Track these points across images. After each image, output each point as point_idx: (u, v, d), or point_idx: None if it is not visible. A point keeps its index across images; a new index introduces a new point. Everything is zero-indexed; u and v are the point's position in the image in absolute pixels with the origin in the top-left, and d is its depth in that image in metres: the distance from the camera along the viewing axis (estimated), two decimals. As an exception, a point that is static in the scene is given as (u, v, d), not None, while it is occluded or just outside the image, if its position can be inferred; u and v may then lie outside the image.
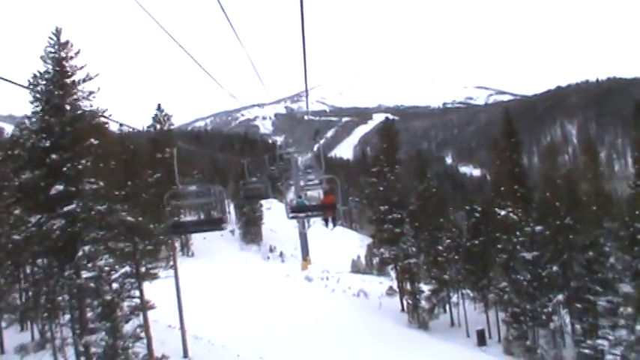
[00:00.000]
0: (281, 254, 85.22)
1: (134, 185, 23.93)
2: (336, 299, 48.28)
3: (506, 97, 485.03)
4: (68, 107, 19.20)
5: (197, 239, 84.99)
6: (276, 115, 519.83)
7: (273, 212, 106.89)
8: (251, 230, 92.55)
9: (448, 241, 42.01)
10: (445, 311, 43.54)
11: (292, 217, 16.53)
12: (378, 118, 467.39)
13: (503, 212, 37.20)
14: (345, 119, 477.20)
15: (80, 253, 17.71)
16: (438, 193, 45.39)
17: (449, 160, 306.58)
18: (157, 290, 28.64)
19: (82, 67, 20.14)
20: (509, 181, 38.76)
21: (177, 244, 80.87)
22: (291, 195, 25.79)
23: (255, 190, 22.43)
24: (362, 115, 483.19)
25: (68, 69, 19.89)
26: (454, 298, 43.25)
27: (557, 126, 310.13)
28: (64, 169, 18.32)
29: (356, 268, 74.70)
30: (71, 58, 20.02)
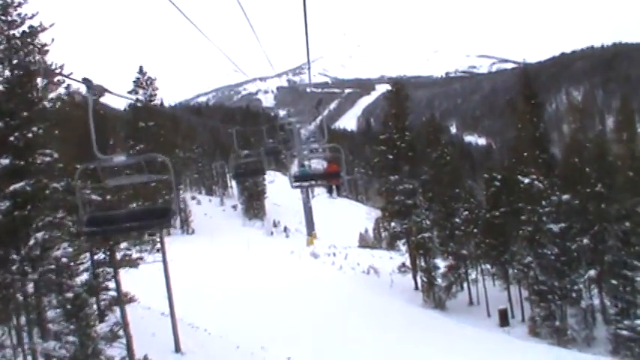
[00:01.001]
0: (285, 229, 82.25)
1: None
2: (344, 277, 45.14)
3: (509, 66, 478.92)
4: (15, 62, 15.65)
5: (197, 215, 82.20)
6: (278, 88, 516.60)
7: (277, 185, 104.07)
8: (254, 205, 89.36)
9: (466, 212, 38.56)
10: (463, 289, 40.28)
11: (296, 187, 16.16)
12: (380, 89, 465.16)
13: (526, 180, 33.69)
14: (347, 91, 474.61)
15: (32, 242, 14.34)
16: (452, 161, 41.74)
17: (453, 130, 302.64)
18: (152, 274, 25.55)
19: (33, 16, 16.59)
20: (531, 147, 35.25)
21: (177, 222, 78.38)
22: (294, 168, 23.32)
23: (247, 166, 21.52)
24: (365, 86, 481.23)
25: (16, 18, 16.33)
26: (473, 275, 40.01)
27: (563, 93, 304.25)
28: (11, 138, 14.87)
29: (364, 242, 71.64)
30: (19, 4, 16.45)
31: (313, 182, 17.11)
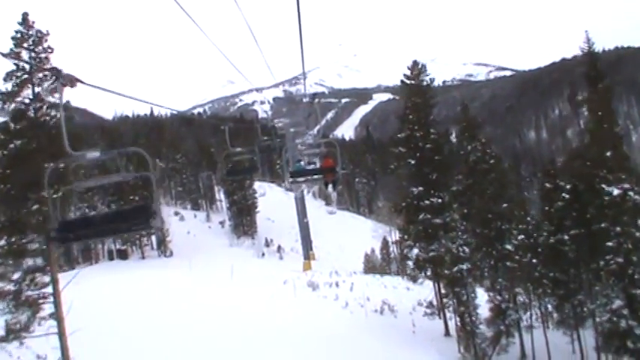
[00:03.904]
0: (279, 249, 71.79)
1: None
2: (350, 319, 34.64)
3: (506, 73, 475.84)
4: None
5: (179, 234, 71.76)
6: (274, 99, 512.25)
7: (270, 198, 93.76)
8: (243, 221, 78.81)
9: (521, 236, 28.13)
10: (512, 336, 29.79)
11: (291, 182, 16.71)
12: (378, 98, 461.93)
13: (615, 191, 23.43)
14: (344, 100, 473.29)
15: None
16: (498, 165, 31.24)
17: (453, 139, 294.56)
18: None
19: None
20: (616, 145, 25.15)
21: (152, 239, 68.11)
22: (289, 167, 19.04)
23: (242, 164, 21.24)
24: (362, 95, 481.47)
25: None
26: (528, 319, 29.58)
27: (565, 99, 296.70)
28: None
29: (370, 265, 61.20)
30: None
31: (309, 178, 16.62)
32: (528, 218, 29.20)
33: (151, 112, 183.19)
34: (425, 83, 31.65)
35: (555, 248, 27.01)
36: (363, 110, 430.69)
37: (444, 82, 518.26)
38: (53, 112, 16.60)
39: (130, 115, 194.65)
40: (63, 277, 21.79)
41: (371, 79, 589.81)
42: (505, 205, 28.81)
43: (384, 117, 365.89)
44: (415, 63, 31.70)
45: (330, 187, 19.84)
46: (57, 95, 14.88)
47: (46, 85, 16.63)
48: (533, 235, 28.36)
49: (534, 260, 28.03)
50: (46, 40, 17.71)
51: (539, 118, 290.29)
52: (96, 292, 36.97)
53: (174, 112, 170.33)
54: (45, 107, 16.75)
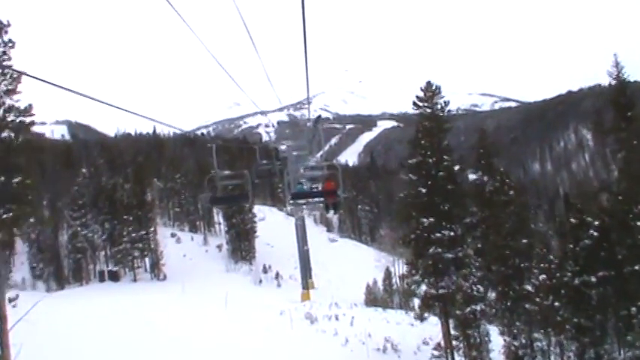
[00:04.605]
0: (277, 276, 69.04)
1: None
2: (350, 357, 31.99)
3: (511, 104, 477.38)
4: None
5: (174, 256, 69.12)
6: (279, 122, 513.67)
7: (269, 223, 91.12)
8: (241, 246, 76.19)
9: (542, 276, 25.55)
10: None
11: (292, 204, 17.68)
12: (382, 125, 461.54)
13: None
14: (348, 126, 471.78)
15: None
16: (518, 196, 28.72)
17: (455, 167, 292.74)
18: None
19: None
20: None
21: (146, 261, 65.44)
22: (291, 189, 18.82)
23: (227, 190, 20.78)
24: (366, 122, 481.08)
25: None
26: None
27: (571, 131, 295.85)
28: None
29: (372, 296, 58.39)
30: None
31: (310, 200, 16.71)
32: (551, 257, 26.63)
33: (154, 130, 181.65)
34: (439, 106, 29.39)
35: (580, 291, 24.40)
36: (367, 137, 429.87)
37: (448, 111, 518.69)
38: (11, 117, 13.89)
39: (133, 132, 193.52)
40: (49, 297, 19.69)
41: (376, 106, 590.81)
42: (525, 240, 26.28)
43: (388, 144, 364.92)
44: (429, 84, 29.49)
45: (331, 210, 19.82)
46: (16, 97, 12.35)
47: (3, 85, 13.82)
48: (556, 275, 25.74)
49: (556, 303, 25.35)
50: (6, 32, 15.18)
51: (544, 150, 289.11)
52: (75, 316, 34.70)
53: (177, 132, 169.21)
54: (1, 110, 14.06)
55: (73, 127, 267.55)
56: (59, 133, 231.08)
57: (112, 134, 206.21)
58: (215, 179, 16.68)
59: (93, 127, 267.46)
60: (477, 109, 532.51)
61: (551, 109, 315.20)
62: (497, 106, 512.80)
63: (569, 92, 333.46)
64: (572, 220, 25.32)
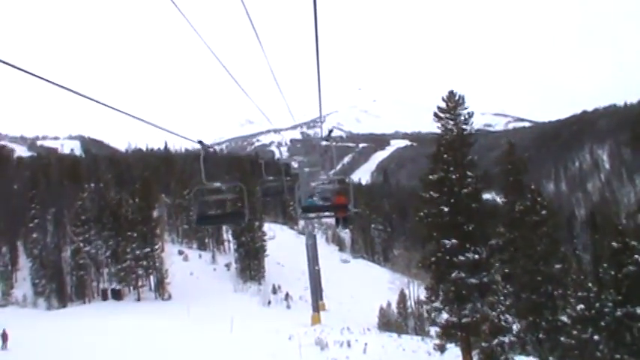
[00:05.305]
0: (287, 297, 66.48)
1: None
2: (364, 390, 29.51)
3: (525, 124, 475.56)
4: None
5: (181, 275, 66.84)
6: (291, 140, 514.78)
7: (280, 242, 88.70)
8: (250, 265, 73.78)
9: (580, 306, 22.95)
10: None
11: (303, 217, 18.46)
12: (395, 144, 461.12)
13: None
14: (362, 145, 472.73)
15: None
16: (551, 217, 26.20)
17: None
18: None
19: None
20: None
21: (150, 279, 63.31)
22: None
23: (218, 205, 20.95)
24: (379, 141, 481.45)
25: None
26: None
27: (586, 152, 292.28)
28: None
29: (385, 320, 55.69)
30: None
31: (320, 214, 16.71)
32: (589, 284, 24.00)
33: (165, 145, 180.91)
34: (462, 118, 27.09)
35: (623, 323, 21.79)
36: (380, 156, 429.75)
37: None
38: None
39: (144, 148, 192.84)
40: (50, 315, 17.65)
41: (389, 125, 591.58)
42: (558, 265, 23.70)
43: (401, 163, 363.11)
44: (452, 93, 27.23)
45: (341, 225, 17.71)
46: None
47: None
48: (595, 305, 23.10)
49: (595, 337, 22.69)
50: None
51: (558, 170, 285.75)
52: (72, 337, 32.93)
53: (188, 147, 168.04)
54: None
55: (86, 142, 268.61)
56: (72, 148, 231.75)
57: (123, 149, 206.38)
58: (203, 193, 14.25)
59: (105, 143, 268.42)
60: (491, 128, 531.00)
61: (566, 128, 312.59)
62: (510, 126, 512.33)
63: (584, 112, 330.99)
64: (614, 243, 22.75)
